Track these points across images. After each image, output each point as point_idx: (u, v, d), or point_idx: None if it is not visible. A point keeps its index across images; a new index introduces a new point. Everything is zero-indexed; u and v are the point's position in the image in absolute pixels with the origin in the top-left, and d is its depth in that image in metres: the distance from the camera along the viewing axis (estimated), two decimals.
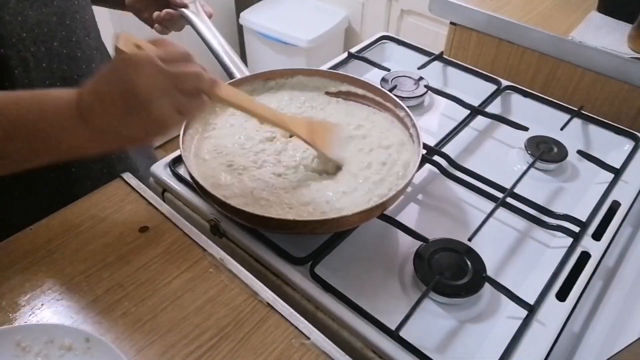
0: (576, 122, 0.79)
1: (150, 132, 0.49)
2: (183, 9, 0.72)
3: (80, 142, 0.49)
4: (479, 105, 0.81)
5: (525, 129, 0.75)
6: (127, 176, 0.65)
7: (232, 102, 0.55)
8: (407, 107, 0.66)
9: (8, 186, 0.65)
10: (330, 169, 0.63)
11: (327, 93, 0.73)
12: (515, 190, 0.65)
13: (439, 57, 0.91)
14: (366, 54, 0.93)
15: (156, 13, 0.72)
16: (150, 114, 0.46)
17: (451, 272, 0.56)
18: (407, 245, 0.61)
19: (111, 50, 0.54)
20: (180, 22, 0.73)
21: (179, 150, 0.63)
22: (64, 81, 0.65)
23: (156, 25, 0.74)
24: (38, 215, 0.60)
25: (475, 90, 0.85)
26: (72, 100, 0.47)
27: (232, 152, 0.64)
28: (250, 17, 2.04)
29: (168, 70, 0.46)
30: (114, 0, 0.79)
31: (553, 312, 0.54)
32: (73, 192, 0.68)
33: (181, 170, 0.68)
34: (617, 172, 0.70)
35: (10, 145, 0.47)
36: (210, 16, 0.73)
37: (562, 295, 0.55)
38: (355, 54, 0.91)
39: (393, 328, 0.50)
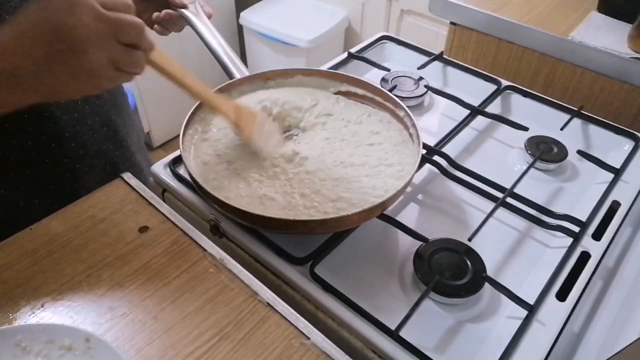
0: (576, 122, 0.79)
1: (78, 84, 0.43)
2: (182, 10, 0.72)
3: None
4: (479, 105, 0.81)
5: (525, 129, 0.75)
6: (127, 176, 0.65)
7: (164, 69, 0.52)
8: (407, 107, 0.66)
9: (14, 184, 0.65)
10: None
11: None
12: (515, 190, 0.65)
13: (439, 57, 0.91)
14: (366, 54, 0.93)
15: (155, 14, 0.72)
16: (81, 62, 0.41)
17: (451, 272, 0.56)
18: (407, 245, 0.61)
19: None
20: (179, 22, 0.73)
21: (179, 150, 0.63)
22: None
23: (156, 26, 0.74)
24: (43, 211, 0.60)
25: (475, 90, 0.85)
26: None
27: (233, 156, 0.63)
28: (250, 17, 2.04)
29: (108, 15, 0.41)
30: None
31: (553, 312, 0.54)
32: (76, 189, 0.69)
33: (181, 170, 0.68)
34: (617, 172, 0.70)
35: None
36: (210, 17, 0.73)
37: (562, 295, 0.55)
38: (355, 54, 0.91)
39: (393, 328, 0.50)
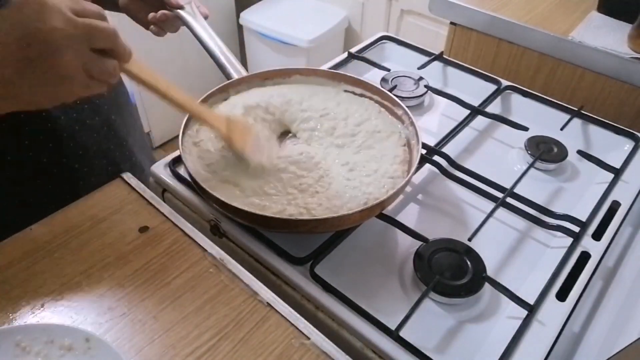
0: (576, 122, 0.79)
1: (50, 91, 0.43)
2: (179, 10, 0.71)
3: None
4: (479, 105, 0.81)
5: (525, 129, 0.75)
6: (127, 176, 0.65)
7: (143, 80, 0.50)
8: (407, 107, 0.66)
9: (11, 183, 0.65)
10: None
11: None
12: (515, 190, 0.65)
13: (439, 57, 0.91)
14: (366, 54, 0.93)
15: (151, 14, 0.71)
16: (53, 67, 0.41)
17: (451, 272, 0.56)
18: (407, 245, 0.61)
19: None
20: (176, 23, 0.73)
21: (178, 150, 0.63)
22: None
23: (151, 26, 0.73)
24: (41, 212, 0.59)
25: (475, 90, 0.85)
26: None
27: (227, 164, 0.62)
28: (250, 17, 2.04)
29: (80, 21, 0.41)
30: (106, 1, 0.78)
31: (553, 312, 0.54)
32: (76, 189, 0.68)
33: (181, 170, 0.68)
34: (617, 172, 0.70)
35: None
36: (206, 17, 0.73)
37: (562, 295, 0.55)
38: (355, 54, 0.91)
39: (393, 328, 0.50)
